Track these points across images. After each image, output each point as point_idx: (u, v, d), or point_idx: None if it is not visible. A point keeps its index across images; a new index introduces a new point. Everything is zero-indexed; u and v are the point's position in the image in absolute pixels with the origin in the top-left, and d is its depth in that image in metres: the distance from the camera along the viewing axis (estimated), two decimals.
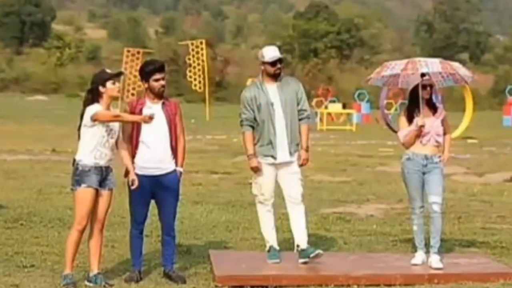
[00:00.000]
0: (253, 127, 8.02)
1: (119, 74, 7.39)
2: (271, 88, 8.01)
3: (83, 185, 7.10)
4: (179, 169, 7.56)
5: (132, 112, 7.42)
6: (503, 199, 13.57)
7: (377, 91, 37.51)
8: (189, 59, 46.11)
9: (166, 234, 7.63)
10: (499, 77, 79.35)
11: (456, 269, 7.98)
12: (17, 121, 34.69)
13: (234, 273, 7.65)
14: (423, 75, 8.12)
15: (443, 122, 8.23)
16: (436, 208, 8.09)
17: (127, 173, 7.40)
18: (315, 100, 43.64)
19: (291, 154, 7.99)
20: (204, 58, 45.51)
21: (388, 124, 31.04)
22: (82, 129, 7.18)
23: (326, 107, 41.87)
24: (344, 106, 42.12)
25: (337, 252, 9.04)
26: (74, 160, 7.20)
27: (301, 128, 8.07)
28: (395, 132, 9.93)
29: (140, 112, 7.39)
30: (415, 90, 8.17)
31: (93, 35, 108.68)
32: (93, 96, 7.19)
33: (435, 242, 8.11)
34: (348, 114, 41.48)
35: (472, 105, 32.19)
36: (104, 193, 7.23)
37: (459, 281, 7.62)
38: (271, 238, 8.18)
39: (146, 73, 7.52)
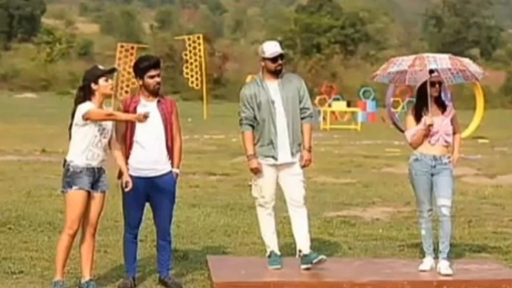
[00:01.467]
0: (253, 127, 8.03)
1: (112, 70, 7.40)
2: (272, 86, 8.02)
3: (74, 187, 7.11)
4: (175, 170, 7.56)
5: (125, 111, 7.42)
6: None
7: (383, 88, 37.50)
8: (186, 54, 46.12)
9: (161, 239, 7.64)
10: (511, 73, 79.34)
11: (466, 276, 7.99)
12: (5, 120, 34.68)
13: (233, 280, 7.65)
14: (431, 71, 8.13)
15: (452, 121, 8.23)
16: (445, 211, 8.09)
17: (120, 175, 7.41)
18: (318, 98, 43.63)
19: (293, 154, 7.99)
20: (202, 53, 45.51)
21: (394, 123, 31.07)
22: (73, 128, 7.18)
23: (329, 105, 41.86)
24: (348, 104, 42.08)
25: (341, 258, 9.05)
26: (65, 161, 7.20)
27: (304, 127, 8.07)
28: (402, 131, 9.95)
29: (134, 111, 7.39)
30: (423, 87, 8.18)
31: (85, 30, 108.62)
32: (85, 94, 7.19)
33: (444, 247, 8.11)
34: (353, 113, 41.46)
35: (483, 103, 32.21)
36: (97, 195, 7.24)
37: None
38: (271, 243, 8.19)
39: (140, 69, 7.53)
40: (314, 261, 7.95)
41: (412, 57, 8.31)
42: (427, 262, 8.21)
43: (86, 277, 7.29)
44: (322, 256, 8.01)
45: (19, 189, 13.75)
